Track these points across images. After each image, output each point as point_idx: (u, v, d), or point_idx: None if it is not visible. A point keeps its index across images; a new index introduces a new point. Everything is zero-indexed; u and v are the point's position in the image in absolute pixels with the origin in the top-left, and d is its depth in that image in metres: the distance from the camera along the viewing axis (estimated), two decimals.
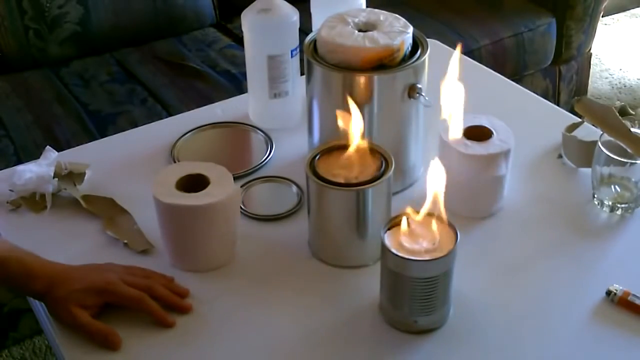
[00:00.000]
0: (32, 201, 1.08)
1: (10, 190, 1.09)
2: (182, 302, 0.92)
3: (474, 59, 1.54)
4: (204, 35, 2.08)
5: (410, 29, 1.03)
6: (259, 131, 1.22)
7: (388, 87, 1.01)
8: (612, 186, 1.04)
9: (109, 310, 0.90)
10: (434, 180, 0.84)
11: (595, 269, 0.98)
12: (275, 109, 1.22)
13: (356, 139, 0.93)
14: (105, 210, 1.06)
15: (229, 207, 0.95)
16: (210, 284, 0.95)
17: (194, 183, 0.95)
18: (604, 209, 1.05)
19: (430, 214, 0.85)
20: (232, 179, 0.96)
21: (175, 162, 1.15)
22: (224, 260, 0.98)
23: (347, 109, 0.93)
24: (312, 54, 1.03)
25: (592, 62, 2.44)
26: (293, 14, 1.16)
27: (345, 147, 0.94)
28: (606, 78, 2.79)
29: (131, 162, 1.18)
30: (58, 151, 1.14)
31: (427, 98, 1.01)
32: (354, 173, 0.93)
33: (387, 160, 0.94)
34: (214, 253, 0.97)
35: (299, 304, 0.93)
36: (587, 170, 1.07)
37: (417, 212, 0.85)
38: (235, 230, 0.98)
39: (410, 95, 1.01)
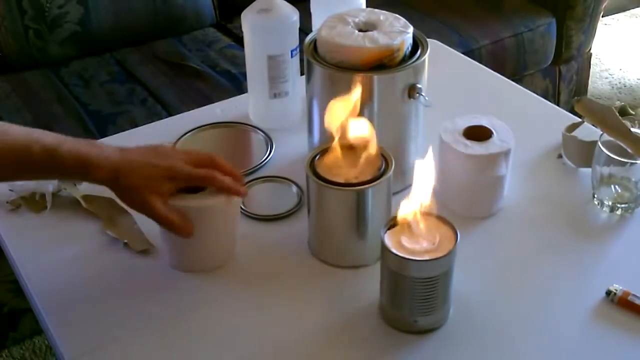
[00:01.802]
0: (32, 201, 1.08)
1: (10, 190, 1.09)
2: (239, 187, 0.93)
3: (474, 59, 1.54)
4: (204, 35, 2.08)
5: (410, 29, 1.03)
6: (259, 131, 1.22)
7: (388, 87, 1.01)
8: (612, 186, 1.04)
9: (108, 310, 0.90)
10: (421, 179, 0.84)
11: (595, 269, 0.98)
12: (275, 109, 1.22)
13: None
14: (105, 210, 1.06)
15: (229, 208, 0.95)
16: (210, 284, 0.95)
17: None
18: (604, 209, 1.05)
19: (427, 214, 0.85)
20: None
21: None
22: (223, 261, 0.98)
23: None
24: (312, 54, 1.03)
25: (592, 62, 2.44)
26: (293, 14, 1.16)
27: (345, 147, 0.94)
28: (606, 78, 2.79)
29: None
30: None
31: (427, 98, 1.01)
32: (354, 173, 0.93)
33: (387, 160, 0.94)
34: (213, 254, 0.97)
35: (298, 304, 0.93)
36: (587, 170, 1.07)
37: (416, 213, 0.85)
38: (236, 231, 0.98)
39: (410, 95, 1.01)
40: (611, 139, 1.02)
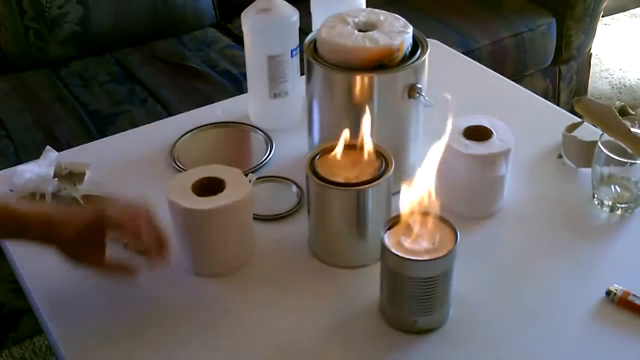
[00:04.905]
0: (32, 201, 1.08)
1: (10, 190, 1.09)
2: (161, 253, 0.91)
3: (474, 59, 1.54)
4: (204, 35, 2.08)
5: (410, 29, 1.03)
6: (259, 131, 1.22)
7: (388, 87, 1.01)
8: (612, 186, 1.04)
9: (108, 310, 0.90)
10: (424, 179, 0.85)
11: (595, 269, 0.98)
12: (275, 109, 1.22)
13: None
14: None
15: (243, 208, 0.93)
16: (209, 285, 0.95)
17: (210, 186, 0.93)
18: (604, 209, 1.05)
19: (427, 213, 0.85)
20: (247, 180, 0.95)
21: (175, 162, 1.15)
22: (242, 262, 0.97)
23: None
24: (312, 54, 1.03)
25: (592, 62, 2.44)
26: (293, 14, 1.16)
27: (345, 147, 0.94)
28: (606, 78, 2.79)
29: (131, 162, 1.18)
30: (58, 151, 1.15)
31: (427, 98, 1.01)
32: (354, 173, 0.93)
33: (387, 160, 0.94)
34: (231, 255, 0.96)
35: (298, 304, 0.93)
36: (587, 170, 1.07)
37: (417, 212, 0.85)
38: (251, 230, 0.97)
39: (410, 95, 1.01)
40: (611, 139, 1.02)
